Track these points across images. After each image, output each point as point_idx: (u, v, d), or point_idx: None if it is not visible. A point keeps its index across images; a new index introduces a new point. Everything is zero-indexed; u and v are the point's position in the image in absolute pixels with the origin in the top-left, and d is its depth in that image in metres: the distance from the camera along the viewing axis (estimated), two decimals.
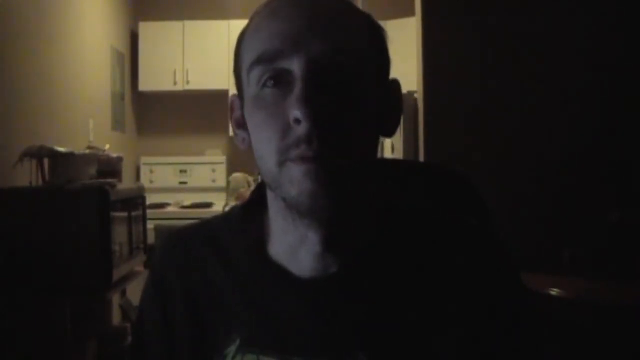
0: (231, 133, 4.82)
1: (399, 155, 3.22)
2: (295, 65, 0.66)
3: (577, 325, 2.07)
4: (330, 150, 0.65)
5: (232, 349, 0.73)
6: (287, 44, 0.67)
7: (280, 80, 0.68)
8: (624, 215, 2.57)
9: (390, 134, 0.76)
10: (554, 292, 2.07)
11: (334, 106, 0.66)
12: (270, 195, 0.76)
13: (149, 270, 0.84)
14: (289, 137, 0.66)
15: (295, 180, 0.66)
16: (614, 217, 2.57)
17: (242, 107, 0.74)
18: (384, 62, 0.75)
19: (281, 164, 0.67)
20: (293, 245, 0.74)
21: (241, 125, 0.75)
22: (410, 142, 3.16)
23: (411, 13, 3.23)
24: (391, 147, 3.32)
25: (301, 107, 0.64)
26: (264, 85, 0.69)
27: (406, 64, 2.87)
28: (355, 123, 0.68)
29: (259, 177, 0.78)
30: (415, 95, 3.07)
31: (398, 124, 0.77)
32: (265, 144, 0.69)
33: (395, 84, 0.77)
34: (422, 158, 2.94)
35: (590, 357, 2.02)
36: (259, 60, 0.68)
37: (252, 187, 4.29)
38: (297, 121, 0.65)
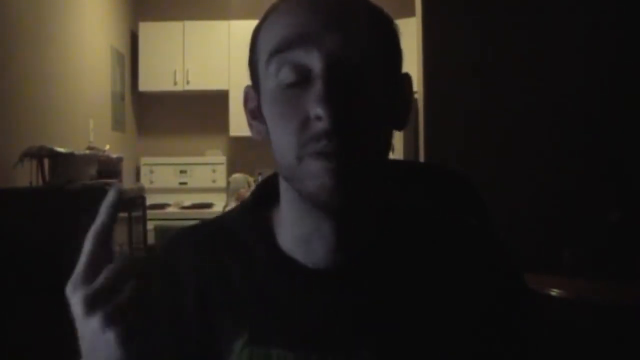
0: (231, 133, 4.83)
1: (399, 155, 3.22)
2: (313, 62, 0.68)
3: (577, 325, 2.07)
4: (349, 146, 0.67)
5: (241, 342, 0.73)
6: (303, 38, 0.68)
7: (299, 76, 0.68)
8: (624, 215, 2.57)
9: (401, 127, 0.76)
10: (554, 292, 2.07)
11: (350, 102, 0.67)
12: (283, 186, 0.76)
13: (160, 264, 0.82)
14: (308, 131, 0.67)
15: (314, 175, 0.67)
16: (614, 217, 2.57)
17: (257, 99, 0.75)
18: (397, 55, 0.76)
19: (300, 158, 0.68)
20: (305, 237, 0.74)
21: (256, 116, 0.76)
22: (410, 142, 3.17)
23: (411, 13, 3.23)
24: (391, 147, 3.32)
25: (322, 104, 0.65)
26: (283, 80, 0.69)
27: (406, 64, 2.87)
28: (371, 118, 0.69)
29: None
30: (415, 95, 3.07)
31: (409, 117, 0.78)
32: (284, 137, 0.69)
33: (407, 77, 0.77)
34: (422, 158, 2.94)
35: (590, 357, 2.02)
36: (277, 52, 0.70)
37: (252, 188, 4.29)
38: (318, 117, 0.66)
